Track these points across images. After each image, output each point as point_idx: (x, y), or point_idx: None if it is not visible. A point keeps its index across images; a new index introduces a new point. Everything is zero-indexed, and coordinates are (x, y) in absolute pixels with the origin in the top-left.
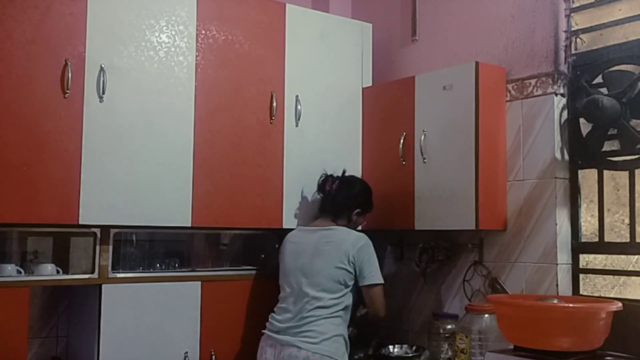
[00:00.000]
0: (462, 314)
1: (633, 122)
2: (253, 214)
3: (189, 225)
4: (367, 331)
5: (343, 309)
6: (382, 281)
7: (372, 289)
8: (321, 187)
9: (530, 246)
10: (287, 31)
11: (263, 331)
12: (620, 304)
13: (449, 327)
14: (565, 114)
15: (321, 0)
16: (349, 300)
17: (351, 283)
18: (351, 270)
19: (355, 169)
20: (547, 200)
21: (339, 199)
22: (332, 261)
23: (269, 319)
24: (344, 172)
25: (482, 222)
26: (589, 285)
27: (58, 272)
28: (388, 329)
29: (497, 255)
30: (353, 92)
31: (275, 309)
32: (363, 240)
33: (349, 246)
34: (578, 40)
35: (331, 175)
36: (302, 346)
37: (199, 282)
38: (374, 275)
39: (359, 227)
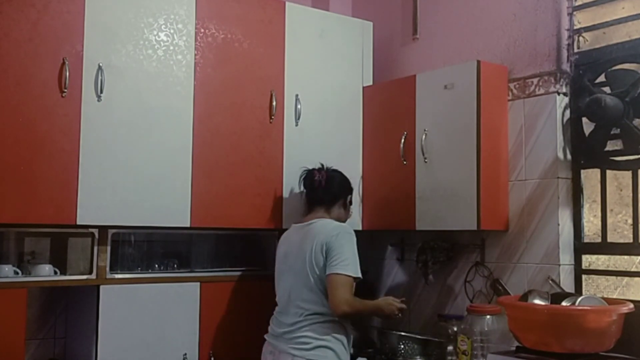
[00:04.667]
0: (464, 315)
1: (636, 121)
2: (252, 214)
3: (188, 225)
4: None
5: (337, 318)
6: (352, 274)
7: (336, 278)
8: (308, 180)
9: (532, 247)
10: (287, 30)
11: (265, 337)
12: (632, 305)
13: (455, 328)
14: (567, 113)
15: None
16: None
17: None
18: (325, 259)
19: (355, 169)
20: (549, 200)
21: (334, 188)
22: (311, 257)
23: (270, 324)
24: (321, 164)
25: (483, 223)
26: (592, 287)
27: (56, 272)
28: (388, 330)
29: (499, 256)
30: (353, 91)
31: (274, 313)
32: (340, 229)
33: (325, 236)
34: (581, 38)
35: (314, 169)
36: (295, 353)
37: (198, 283)
38: (341, 265)
39: (349, 216)
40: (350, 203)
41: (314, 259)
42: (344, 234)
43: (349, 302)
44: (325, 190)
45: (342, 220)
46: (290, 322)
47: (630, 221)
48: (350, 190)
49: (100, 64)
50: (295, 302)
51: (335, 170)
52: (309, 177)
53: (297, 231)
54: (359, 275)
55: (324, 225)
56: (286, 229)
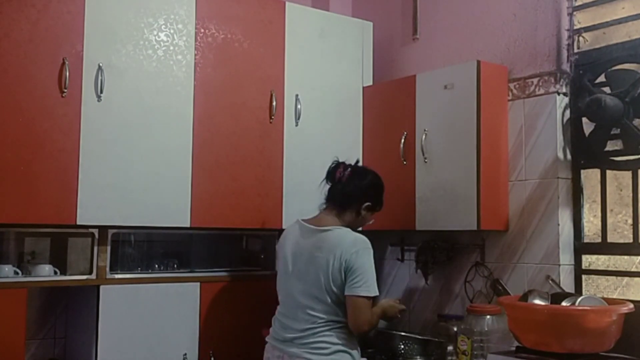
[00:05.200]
0: (464, 315)
1: (636, 121)
2: (252, 214)
3: (188, 225)
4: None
5: (347, 326)
6: (370, 294)
7: (357, 300)
8: (331, 174)
9: (532, 247)
10: (287, 30)
11: (267, 339)
12: (632, 305)
13: (455, 328)
14: (567, 114)
15: None
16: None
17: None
18: (342, 278)
19: None
20: (549, 200)
21: (348, 189)
22: (325, 270)
23: (272, 327)
24: (357, 161)
25: (483, 223)
26: (592, 287)
27: (56, 273)
28: (388, 330)
29: (498, 256)
30: (353, 91)
31: (277, 315)
32: (360, 244)
33: (343, 250)
34: (581, 38)
35: (343, 163)
36: (312, 358)
37: (198, 283)
38: (362, 285)
39: (365, 225)
40: (370, 210)
41: (331, 276)
42: (364, 250)
43: (370, 322)
44: (341, 188)
45: (353, 227)
46: (301, 328)
47: (630, 221)
48: (371, 197)
49: (101, 64)
50: (305, 310)
51: (366, 173)
52: (333, 170)
53: (308, 234)
54: (377, 292)
55: (341, 237)
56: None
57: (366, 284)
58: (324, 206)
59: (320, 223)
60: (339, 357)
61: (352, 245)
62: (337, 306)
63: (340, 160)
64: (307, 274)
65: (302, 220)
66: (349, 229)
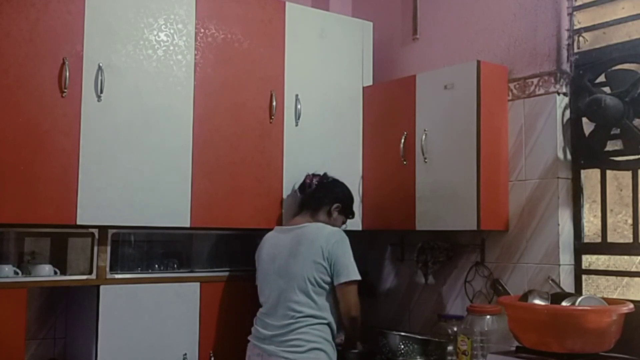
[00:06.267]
0: (464, 315)
1: (636, 121)
2: (252, 214)
3: (188, 225)
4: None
5: (327, 321)
6: (358, 278)
7: (346, 286)
8: (302, 184)
9: (532, 247)
10: (287, 30)
11: (249, 338)
12: (632, 305)
13: (455, 328)
14: (567, 114)
15: None
16: (330, 315)
17: (328, 284)
18: (326, 266)
19: (355, 169)
20: (549, 200)
21: (319, 193)
22: (308, 260)
23: (254, 326)
24: (325, 173)
25: (483, 223)
26: (592, 287)
27: (56, 273)
28: (388, 330)
29: (498, 256)
30: (353, 91)
31: (258, 315)
32: (337, 234)
33: (323, 241)
34: (581, 38)
35: (312, 174)
36: (288, 356)
37: (198, 283)
38: (349, 271)
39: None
40: (340, 213)
41: (313, 263)
42: (342, 239)
43: (358, 307)
44: (311, 193)
45: None
46: (280, 324)
47: (630, 221)
48: (338, 199)
49: (101, 64)
50: (286, 304)
51: (334, 180)
52: (303, 180)
53: (284, 234)
54: (360, 277)
55: (319, 229)
56: None
57: (352, 270)
58: (298, 212)
59: (296, 223)
60: (314, 355)
61: (331, 236)
62: (318, 297)
63: (328, 173)
64: (289, 268)
65: (277, 226)
66: (323, 224)
